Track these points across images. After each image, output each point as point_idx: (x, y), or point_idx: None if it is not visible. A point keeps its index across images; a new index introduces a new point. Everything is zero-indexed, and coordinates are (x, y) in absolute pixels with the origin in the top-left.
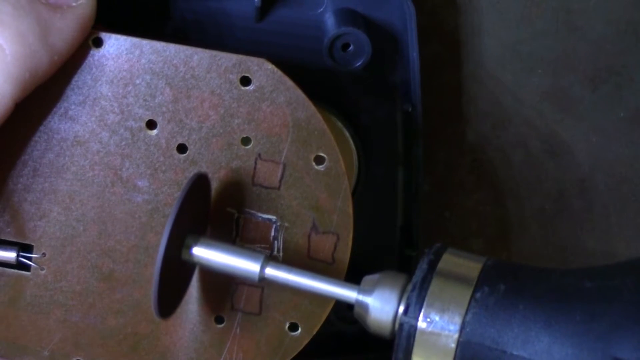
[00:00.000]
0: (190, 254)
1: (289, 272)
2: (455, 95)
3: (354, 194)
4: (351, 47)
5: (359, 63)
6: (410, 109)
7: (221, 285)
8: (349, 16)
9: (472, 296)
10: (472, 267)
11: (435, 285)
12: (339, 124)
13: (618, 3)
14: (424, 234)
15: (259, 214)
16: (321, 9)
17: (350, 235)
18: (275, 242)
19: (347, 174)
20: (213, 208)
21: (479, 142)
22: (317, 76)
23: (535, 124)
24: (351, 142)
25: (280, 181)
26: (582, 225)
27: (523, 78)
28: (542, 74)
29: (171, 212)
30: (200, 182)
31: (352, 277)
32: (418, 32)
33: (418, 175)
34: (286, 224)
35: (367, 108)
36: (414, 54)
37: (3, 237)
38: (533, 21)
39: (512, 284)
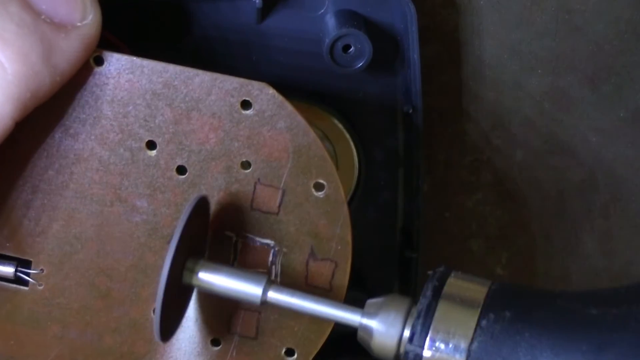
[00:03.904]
0: (192, 278)
1: (292, 295)
2: (455, 95)
3: (354, 196)
4: (352, 49)
5: (360, 64)
6: (410, 111)
7: (219, 308)
8: (349, 17)
9: (478, 324)
10: (476, 292)
11: (440, 313)
12: (340, 126)
13: (618, 3)
14: (424, 235)
15: (257, 239)
16: (322, 11)
17: (349, 263)
18: (273, 267)
19: (348, 175)
20: (212, 231)
21: (479, 142)
22: (318, 77)
23: (535, 124)
24: (351, 143)
25: (279, 206)
26: (582, 225)
27: (523, 78)
28: (542, 74)
29: (173, 236)
30: (201, 205)
31: (352, 280)
32: (418, 33)
33: (418, 177)
34: (284, 250)
35: (367, 109)
36: (414, 55)
37: (2, 252)
38: (533, 21)
39: (517, 310)
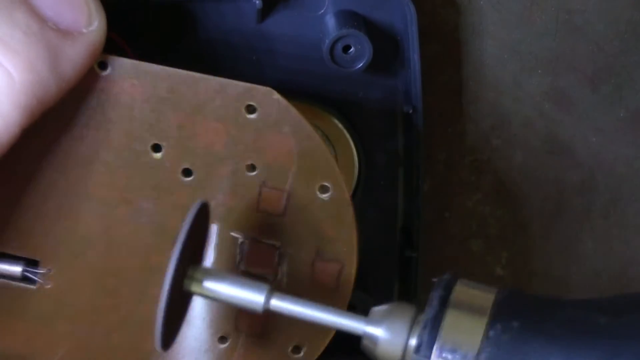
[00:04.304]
0: (193, 285)
1: (295, 303)
2: (455, 95)
3: (354, 195)
4: (352, 49)
5: (360, 65)
6: (410, 111)
7: (226, 305)
8: (350, 18)
9: (485, 334)
10: (483, 301)
11: (447, 323)
12: (340, 126)
13: (618, 3)
14: (424, 234)
15: (264, 240)
16: (322, 11)
17: (355, 264)
18: (279, 267)
19: (348, 175)
20: (218, 232)
21: (479, 142)
22: (318, 78)
23: (535, 124)
24: (351, 143)
25: (284, 208)
26: (582, 225)
27: (523, 78)
28: (542, 74)
29: (175, 245)
30: (202, 211)
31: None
32: (418, 33)
33: (418, 176)
34: (290, 251)
35: (367, 109)
36: (414, 55)
37: (10, 252)
38: (533, 21)
39: (525, 320)
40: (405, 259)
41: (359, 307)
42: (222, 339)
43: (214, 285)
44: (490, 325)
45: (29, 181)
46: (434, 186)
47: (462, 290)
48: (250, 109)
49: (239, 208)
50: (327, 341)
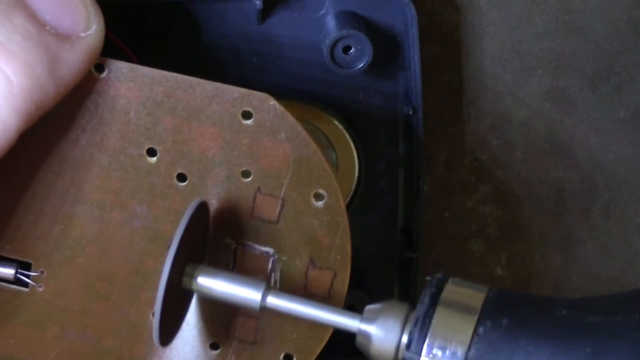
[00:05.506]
0: (191, 282)
1: (291, 300)
2: (455, 95)
3: (354, 196)
4: (352, 50)
5: (360, 65)
6: (410, 112)
7: (218, 312)
8: (350, 19)
9: (475, 331)
10: (474, 299)
11: (437, 320)
12: (340, 127)
13: (618, 3)
14: (424, 235)
15: (257, 246)
16: (322, 12)
17: (348, 272)
18: (272, 274)
19: (348, 176)
20: (211, 238)
21: (479, 142)
22: (318, 79)
23: (535, 124)
24: (352, 144)
25: (279, 215)
26: (582, 225)
27: (523, 78)
28: (542, 74)
29: (173, 241)
30: (200, 210)
31: (353, 280)
32: (419, 34)
33: (419, 177)
34: (284, 258)
35: (368, 110)
36: (415, 57)
37: (3, 254)
38: (533, 21)
39: (514, 317)
40: (405, 260)
41: (358, 308)
42: (214, 346)
43: (211, 283)
44: (480, 322)
45: (23, 183)
46: (434, 186)
47: (453, 289)
48: (246, 115)
49: (233, 214)
50: (318, 350)
